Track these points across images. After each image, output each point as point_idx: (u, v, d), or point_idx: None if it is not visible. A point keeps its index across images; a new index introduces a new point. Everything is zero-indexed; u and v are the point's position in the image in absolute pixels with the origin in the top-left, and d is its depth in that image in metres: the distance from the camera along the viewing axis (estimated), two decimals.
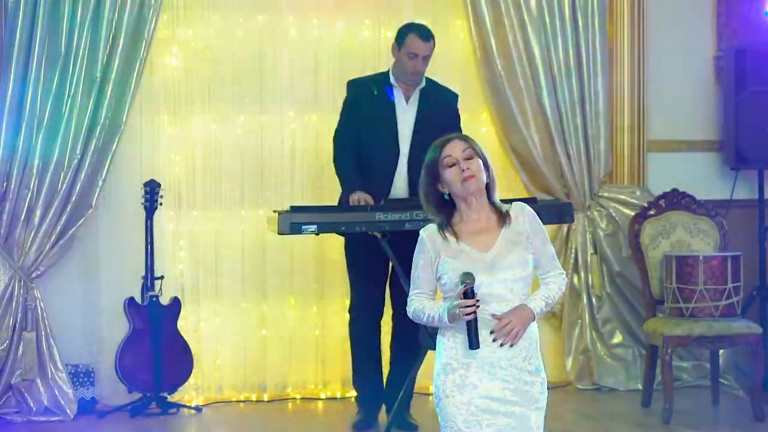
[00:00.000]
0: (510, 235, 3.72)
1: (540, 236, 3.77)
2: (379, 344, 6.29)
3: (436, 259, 3.71)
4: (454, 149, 3.72)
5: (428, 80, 6.25)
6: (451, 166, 3.70)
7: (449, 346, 3.69)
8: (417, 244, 3.76)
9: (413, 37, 6.09)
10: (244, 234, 7.01)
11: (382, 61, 6.75)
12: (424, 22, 6.34)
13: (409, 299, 3.77)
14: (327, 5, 7.05)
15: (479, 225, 3.72)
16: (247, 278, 7.01)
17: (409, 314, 3.77)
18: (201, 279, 6.99)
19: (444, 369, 3.69)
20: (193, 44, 6.95)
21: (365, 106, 6.16)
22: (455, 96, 6.34)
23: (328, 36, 7.04)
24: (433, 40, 6.14)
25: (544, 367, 3.75)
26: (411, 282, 3.79)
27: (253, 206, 7.00)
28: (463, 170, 3.68)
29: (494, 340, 3.63)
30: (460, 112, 6.33)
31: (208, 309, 6.99)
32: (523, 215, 3.77)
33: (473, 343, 3.58)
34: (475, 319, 3.57)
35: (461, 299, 3.56)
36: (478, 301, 3.56)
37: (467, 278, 3.56)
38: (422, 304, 3.73)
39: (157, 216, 6.71)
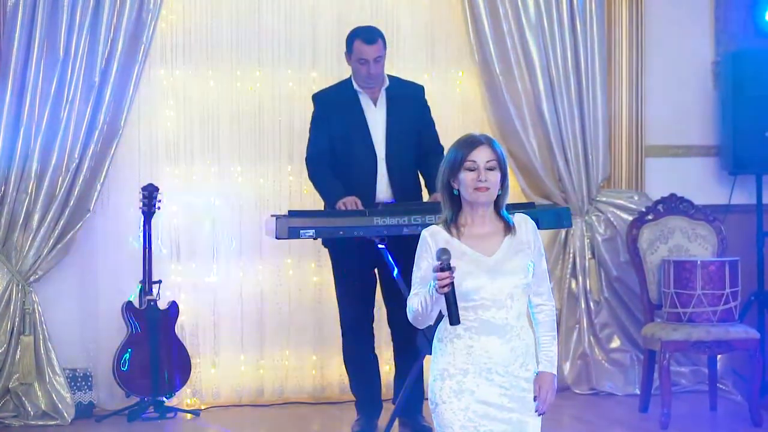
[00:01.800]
0: (513, 243, 3.73)
1: (538, 250, 3.78)
2: (373, 351, 6.27)
3: None
4: (480, 156, 3.69)
5: (391, 78, 6.21)
6: (470, 170, 3.68)
7: (447, 351, 3.68)
8: (419, 243, 3.74)
9: (359, 43, 6.04)
10: (242, 237, 7.02)
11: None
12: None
13: (408, 301, 3.74)
14: None
15: (483, 229, 3.72)
16: (245, 282, 7.02)
17: (409, 317, 3.73)
18: (200, 282, 7.00)
19: (441, 375, 3.68)
20: (193, 49, 6.95)
21: (334, 117, 6.11)
22: (421, 88, 6.31)
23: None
24: (382, 39, 6.08)
25: None
26: (412, 283, 3.76)
27: (252, 211, 7.00)
28: (479, 180, 3.66)
29: (540, 414, 3.70)
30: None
31: (206, 311, 7.00)
32: (525, 225, 3.77)
33: (454, 318, 3.57)
34: (453, 292, 3.54)
35: (438, 273, 3.53)
36: (452, 273, 3.53)
37: (443, 254, 3.54)
38: (417, 297, 3.69)
39: (155, 219, 6.72)
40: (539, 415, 3.70)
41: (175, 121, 6.97)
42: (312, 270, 7.10)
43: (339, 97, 6.14)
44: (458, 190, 3.71)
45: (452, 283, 3.53)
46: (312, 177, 6.18)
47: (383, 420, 6.16)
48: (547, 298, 3.80)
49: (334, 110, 6.12)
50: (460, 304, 3.61)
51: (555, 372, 3.74)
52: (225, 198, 7.01)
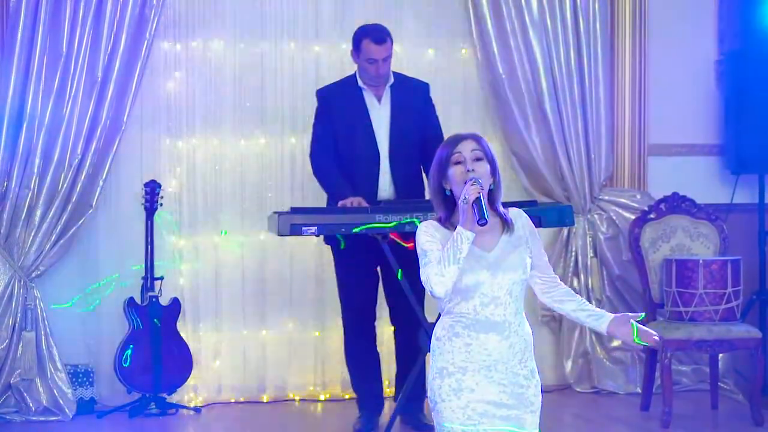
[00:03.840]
0: (511, 239, 3.72)
1: (537, 241, 3.78)
2: (376, 349, 6.27)
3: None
4: (465, 148, 3.69)
5: (396, 75, 6.20)
6: (457, 164, 3.68)
7: (445, 349, 3.67)
8: (417, 234, 3.70)
9: (368, 42, 6.03)
10: (243, 231, 7.02)
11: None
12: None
13: (425, 276, 3.62)
14: None
15: (473, 228, 3.67)
16: (247, 280, 7.02)
17: (432, 289, 3.59)
18: (201, 280, 7.00)
19: (440, 373, 3.66)
20: (195, 44, 6.95)
21: (338, 113, 6.12)
22: (426, 86, 6.31)
23: None
24: (390, 39, 6.07)
25: (537, 370, 3.75)
26: (421, 260, 3.67)
27: (254, 203, 7.00)
28: (467, 170, 3.66)
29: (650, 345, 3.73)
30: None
31: (207, 310, 7.00)
32: (520, 220, 3.77)
33: (483, 216, 3.54)
34: (479, 197, 3.56)
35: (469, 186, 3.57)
36: (482, 186, 3.58)
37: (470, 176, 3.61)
38: (435, 260, 3.61)
39: (157, 216, 6.72)
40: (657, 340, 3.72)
41: (177, 119, 6.96)
42: (314, 264, 7.05)
43: (343, 94, 6.14)
44: (450, 190, 3.70)
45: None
46: (316, 173, 6.18)
47: (385, 417, 6.17)
48: (557, 281, 3.81)
49: (338, 107, 6.12)
50: (459, 301, 3.62)
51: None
52: (228, 192, 7.02)
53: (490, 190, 3.68)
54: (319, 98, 6.21)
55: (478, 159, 3.68)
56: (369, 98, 6.12)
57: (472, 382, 3.63)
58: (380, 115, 6.12)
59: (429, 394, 3.71)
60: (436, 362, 3.69)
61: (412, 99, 6.18)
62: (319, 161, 6.15)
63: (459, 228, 3.58)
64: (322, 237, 6.21)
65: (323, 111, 6.17)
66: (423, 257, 3.66)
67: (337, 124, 6.10)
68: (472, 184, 3.58)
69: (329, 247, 6.25)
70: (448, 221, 3.71)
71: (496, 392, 3.64)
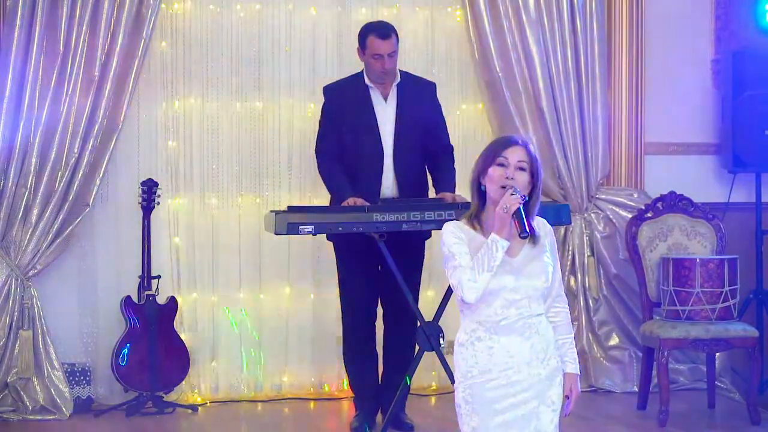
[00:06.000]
0: (535, 246, 3.73)
1: (555, 254, 3.80)
2: (375, 347, 6.28)
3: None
4: (513, 154, 3.68)
5: (403, 74, 6.21)
6: (500, 166, 3.67)
7: (468, 354, 3.69)
8: (444, 235, 3.70)
9: (373, 38, 6.05)
10: (241, 233, 7.02)
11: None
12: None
13: (456, 281, 3.64)
14: None
15: (509, 237, 3.66)
16: (244, 278, 7.03)
17: (464, 294, 3.61)
18: (197, 278, 7.00)
19: (465, 377, 3.69)
20: (193, 45, 6.96)
21: (343, 111, 6.12)
22: (433, 85, 6.31)
23: None
24: (395, 35, 6.08)
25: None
26: (448, 262, 3.68)
27: (251, 203, 7.01)
28: (507, 177, 3.65)
29: (566, 415, 3.75)
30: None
31: (205, 308, 7.00)
32: (544, 230, 3.78)
33: (524, 230, 3.56)
34: (519, 209, 3.57)
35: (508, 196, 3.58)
36: (522, 197, 3.59)
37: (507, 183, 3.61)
38: (466, 266, 3.63)
39: (154, 214, 6.72)
40: (566, 416, 3.74)
41: (174, 118, 6.96)
42: (312, 262, 7.06)
43: (349, 91, 6.15)
44: (485, 186, 3.70)
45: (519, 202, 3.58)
46: (321, 170, 6.20)
47: (381, 420, 6.18)
48: (562, 300, 3.82)
49: (344, 104, 6.13)
50: (480, 305, 3.64)
51: (579, 374, 3.80)
52: (225, 194, 7.02)
53: (526, 202, 3.66)
54: (326, 94, 6.22)
55: (522, 169, 3.67)
56: (375, 96, 6.13)
57: (495, 385, 3.66)
58: (386, 113, 6.12)
59: (456, 398, 3.73)
60: (459, 367, 3.72)
61: (419, 98, 6.18)
62: (323, 160, 6.17)
63: (493, 235, 3.60)
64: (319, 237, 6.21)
65: (329, 107, 6.18)
66: (451, 260, 3.67)
67: (343, 121, 6.11)
68: (512, 194, 3.59)
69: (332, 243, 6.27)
70: (476, 217, 3.72)
71: (518, 390, 3.66)
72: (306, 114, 7.01)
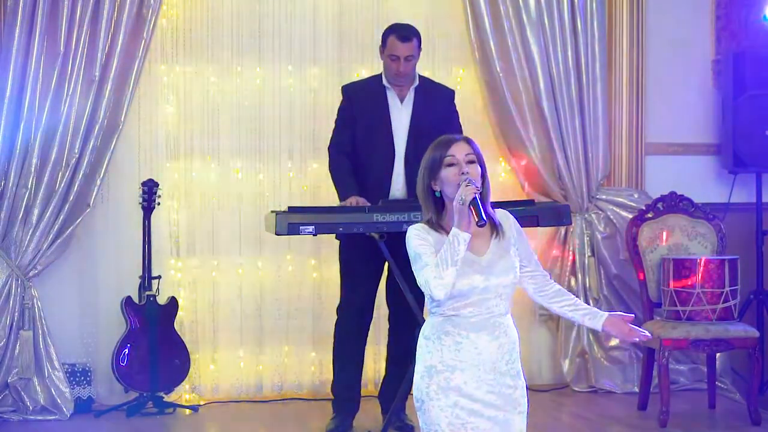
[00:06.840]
0: (501, 242, 3.73)
1: (524, 240, 3.80)
2: (363, 350, 6.25)
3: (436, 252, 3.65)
4: (459, 150, 3.70)
5: (422, 78, 6.22)
6: (450, 165, 3.68)
7: (434, 348, 3.67)
8: (409, 238, 3.69)
9: (393, 39, 6.06)
10: (242, 234, 7.02)
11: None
12: (409, 22, 6.28)
13: (423, 280, 3.63)
14: None
15: (469, 229, 3.65)
16: (244, 276, 7.04)
17: (432, 292, 3.59)
18: (198, 278, 7.00)
19: (428, 372, 3.66)
20: (193, 44, 6.96)
21: (359, 110, 6.13)
22: (451, 93, 6.32)
23: None
24: (417, 39, 6.08)
25: (523, 371, 3.76)
26: (415, 264, 3.68)
27: (251, 207, 7.01)
28: (462, 173, 3.65)
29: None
30: (460, 109, 6.30)
31: (205, 307, 7.00)
32: (507, 222, 3.78)
33: (482, 217, 3.56)
34: (475, 198, 3.57)
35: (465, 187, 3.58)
36: (477, 187, 3.59)
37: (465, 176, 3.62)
38: (432, 264, 3.61)
39: (154, 214, 6.72)
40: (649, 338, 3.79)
41: (174, 117, 6.97)
42: (311, 266, 7.09)
43: (366, 91, 6.17)
44: (440, 191, 3.70)
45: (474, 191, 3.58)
46: (330, 167, 6.21)
47: (359, 420, 6.17)
48: (548, 277, 3.84)
49: (360, 103, 6.14)
50: (451, 304, 3.63)
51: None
52: (225, 194, 7.02)
53: (480, 193, 3.67)
54: (344, 93, 6.25)
55: (471, 162, 3.69)
56: (392, 98, 6.14)
57: (460, 381, 3.63)
58: (401, 115, 6.13)
59: (415, 393, 3.70)
60: (424, 361, 3.69)
61: (435, 103, 6.18)
62: (334, 157, 6.19)
63: (454, 230, 3.59)
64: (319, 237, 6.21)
65: (346, 106, 6.21)
66: (418, 260, 3.67)
67: (358, 120, 6.13)
68: (467, 185, 3.59)
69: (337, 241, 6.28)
70: (437, 223, 3.71)
71: (485, 392, 3.65)
72: (307, 101, 7.06)
